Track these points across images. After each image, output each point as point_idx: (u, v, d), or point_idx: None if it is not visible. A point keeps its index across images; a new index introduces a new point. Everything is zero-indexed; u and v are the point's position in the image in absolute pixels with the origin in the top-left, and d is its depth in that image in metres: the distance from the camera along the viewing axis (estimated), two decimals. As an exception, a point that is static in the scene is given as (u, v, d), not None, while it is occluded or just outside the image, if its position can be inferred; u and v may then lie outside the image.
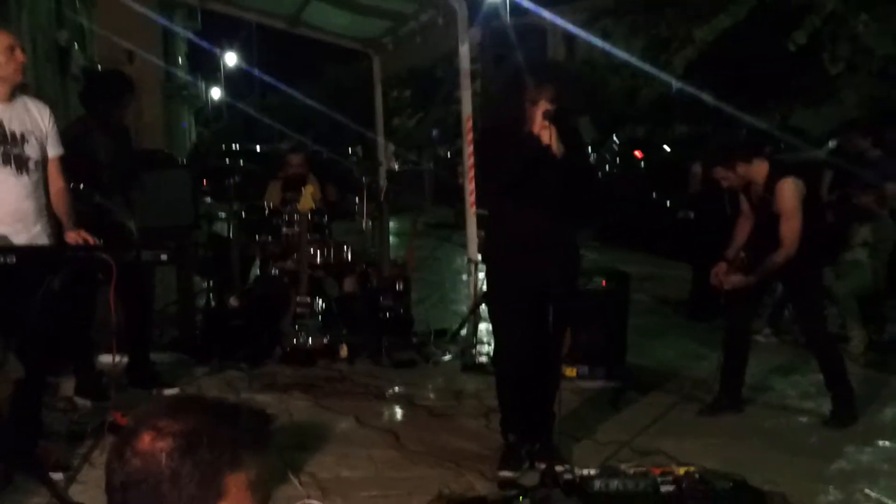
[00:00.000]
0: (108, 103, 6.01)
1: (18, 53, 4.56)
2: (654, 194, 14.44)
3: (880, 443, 5.33)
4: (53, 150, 4.79)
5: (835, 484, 4.68)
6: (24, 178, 4.59)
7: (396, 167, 26.27)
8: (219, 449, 1.53)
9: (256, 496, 1.56)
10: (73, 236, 4.63)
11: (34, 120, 4.69)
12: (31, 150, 4.62)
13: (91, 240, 4.59)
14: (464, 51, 7.54)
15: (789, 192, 5.52)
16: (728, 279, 5.68)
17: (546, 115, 4.48)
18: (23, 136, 4.60)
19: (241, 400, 5.51)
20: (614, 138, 22.45)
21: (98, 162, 5.81)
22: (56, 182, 4.80)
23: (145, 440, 1.52)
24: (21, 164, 4.58)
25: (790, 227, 5.48)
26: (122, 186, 6.07)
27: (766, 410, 5.98)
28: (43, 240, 4.65)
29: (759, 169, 5.64)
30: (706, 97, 15.35)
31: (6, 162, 4.54)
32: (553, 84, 4.65)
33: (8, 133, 4.56)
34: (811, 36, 11.54)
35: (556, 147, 4.49)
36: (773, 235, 5.52)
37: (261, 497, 1.58)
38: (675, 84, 15.25)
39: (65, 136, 4.99)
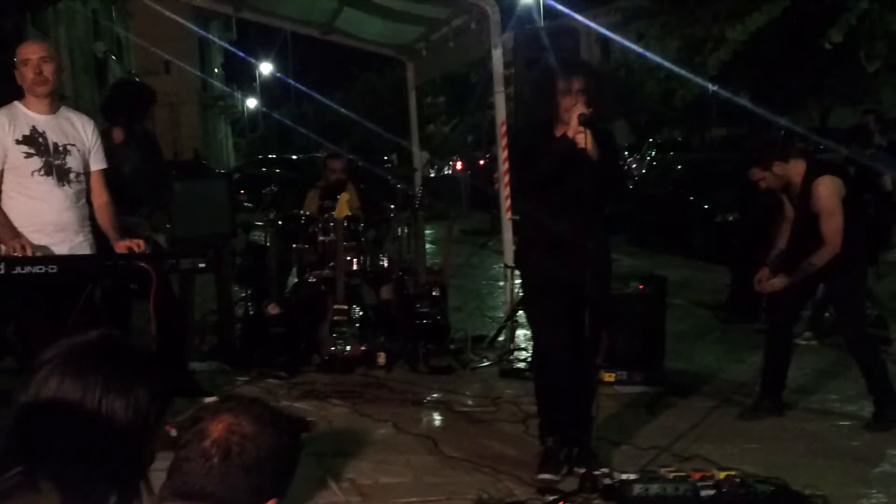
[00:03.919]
0: (130, 114, 6.07)
1: (36, 65, 4.59)
2: (691, 197, 14.35)
3: (924, 446, 5.26)
4: (97, 164, 4.86)
5: (878, 487, 4.62)
6: (66, 189, 4.66)
7: (432, 173, 26.35)
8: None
9: None
10: (123, 245, 4.68)
11: (77, 132, 4.76)
12: (72, 162, 4.69)
13: (141, 245, 4.64)
14: (497, 55, 7.54)
15: (827, 190, 5.46)
16: (771, 283, 5.63)
17: (581, 119, 4.47)
18: (65, 148, 4.67)
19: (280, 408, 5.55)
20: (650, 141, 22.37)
21: (121, 175, 5.85)
22: (100, 195, 4.86)
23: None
24: (62, 175, 4.65)
25: (831, 226, 5.41)
26: (151, 197, 6.12)
27: (807, 414, 5.92)
28: (85, 250, 4.71)
29: (796, 168, 5.59)
30: (742, 98, 15.25)
31: (48, 172, 4.61)
32: (584, 76, 4.65)
33: (50, 144, 4.63)
34: (847, 34, 11.42)
35: (591, 150, 4.49)
36: (815, 236, 5.45)
37: None
38: (711, 86, 15.17)
39: None
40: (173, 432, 4.92)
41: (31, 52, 4.64)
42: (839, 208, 5.43)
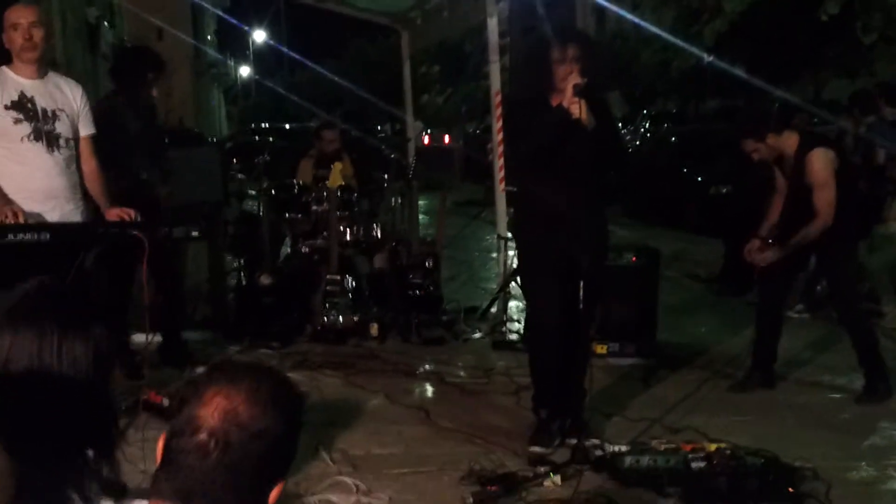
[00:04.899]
0: (138, 80, 6.02)
1: (25, 30, 4.53)
2: (685, 169, 14.32)
3: (914, 419, 5.28)
4: (85, 129, 4.81)
5: (867, 460, 4.64)
6: (56, 155, 4.63)
7: (426, 139, 26.24)
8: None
9: None
10: (114, 213, 4.65)
11: (65, 97, 4.71)
12: (61, 127, 4.65)
13: (131, 214, 4.61)
14: (492, 24, 7.49)
15: (820, 162, 5.45)
16: (763, 255, 5.63)
17: (575, 90, 4.44)
18: (53, 113, 4.63)
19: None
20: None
21: (130, 137, 5.84)
22: (88, 162, 4.83)
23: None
24: (52, 141, 4.61)
25: (824, 197, 5.41)
26: (154, 161, 6.10)
27: (798, 387, 5.94)
28: (76, 218, 4.69)
29: (789, 140, 5.57)
30: (738, 70, 15.20)
31: (37, 138, 4.58)
32: (578, 44, 4.62)
33: (39, 109, 4.59)
34: (843, 6, 11.38)
35: (586, 121, 4.46)
36: (807, 208, 5.45)
37: None
38: (707, 57, 15.11)
39: (95, 112, 5.01)
40: (165, 402, 4.94)
41: (21, 17, 4.58)
42: (832, 180, 5.42)
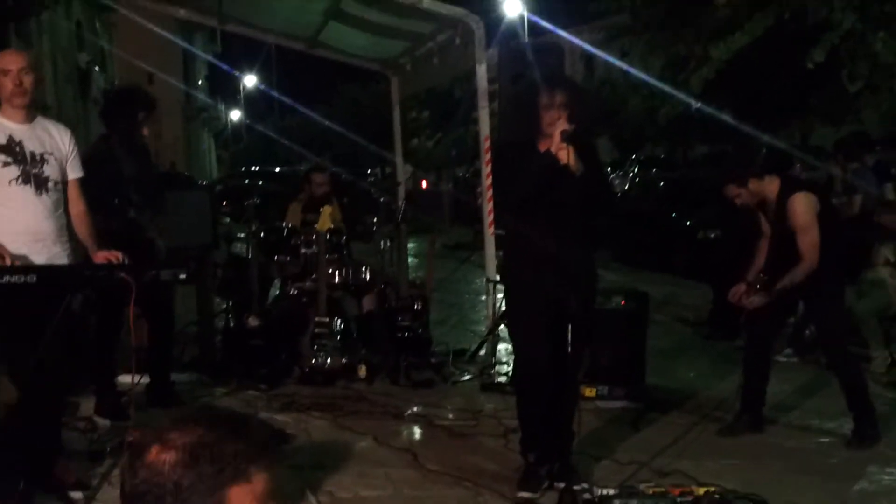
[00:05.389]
0: (128, 120, 6.04)
1: (16, 75, 4.55)
2: (673, 214, 14.39)
3: (903, 463, 5.27)
4: (73, 173, 4.82)
5: (857, 505, 4.63)
6: (44, 198, 4.63)
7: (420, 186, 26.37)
8: (222, 462, 1.54)
9: None
10: (101, 256, 4.65)
11: (54, 141, 4.73)
12: (50, 171, 4.65)
13: (119, 257, 4.61)
14: (481, 71, 7.55)
15: (801, 206, 5.50)
16: (749, 299, 5.64)
17: (563, 136, 4.48)
18: (42, 157, 4.64)
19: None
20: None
21: (124, 179, 5.85)
22: (77, 205, 4.83)
23: (152, 452, 1.55)
24: (40, 184, 4.61)
25: (807, 241, 5.45)
26: (148, 202, 6.10)
27: (788, 431, 5.93)
28: (62, 260, 4.67)
29: (771, 185, 5.62)
30: (726, 116, 15.31)
31: (25, 181, 4.58)
32: (566, 91, 4.66)
33: (27, 153, 4.60)
34: (829, 54, 11.49)
35: (574, 166, 4.49)
36: (792, 252, 5.48)
37: None
38: (694, 103, 15.23)
39: (89, 154, 5.03)
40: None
41: (11, 63, 4.60)
42: (814, 223, 5.47)
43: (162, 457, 1.54)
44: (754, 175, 5.63)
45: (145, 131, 6.14)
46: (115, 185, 5.65)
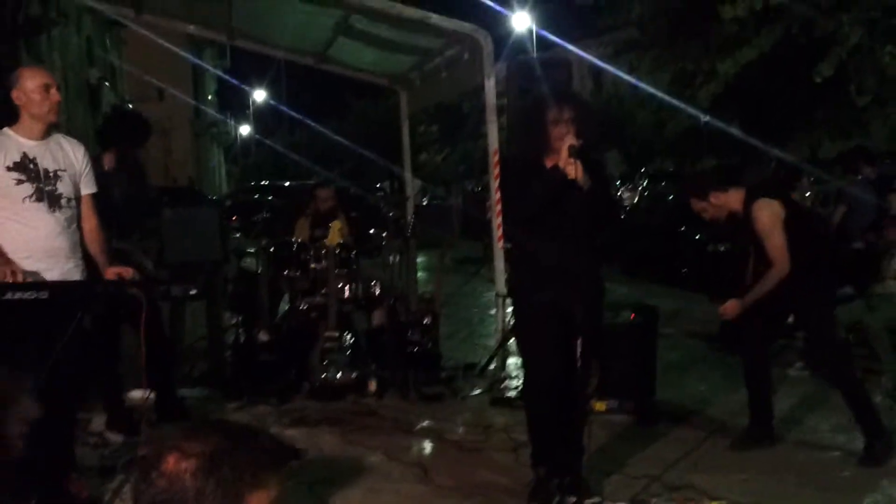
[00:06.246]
0: (125, 143, 6.08)
1: (54, 93, 4.63)
2: (682, 228, 14.37)
3: (915, 477, 5.25)
4: (87, 188, 4.85)
5: (869, 519, 4.62)
6: (57, 215, 4.66)
7: (425, 201, 26.40)
8: (240, 468, 1.56)
9: None
10: (112, 272, 4.67)
11: (67, 157, 4.76)
12: (63, 187, 4.69)
13: (130, 273, 4.63)
14: (490, 85, 7.58)
15: (762, 212, 5.51)
16: (723, 308, 5.66)
17: (571, 151, 4.49)
18: (55, 174, 4.67)
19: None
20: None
21: (114, 201, 5.86)
22: (89, 220, 4.86)
23: (170, 461, 1.56)
24: (54, 201, 4.65)
25: (772, 246, 5.45)
26: (138, 226, 6.13)
27: (798, 445, 5.91)
28: (75, 276, 4.70)
29: (735, 196, 5.63)
30: (734, 130, 15.32)
31: (39, 198, 4.61)
32: (574, 105, 4.68)
33: (41, 170, 4.63)
34: (837, 68, 11.52)
35: (581, 181, 4.51)
36: (767, 261, 5.50)
37: None
38: (703, 117, 15.26)
39: None
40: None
41: (48, 78, 4.67)
42: (777, 228, 5.46)
43: (182, 465, 1.55)
44: (715, 189, 5.64)
45: (140, 154, 6.19)
46: (104, 209, 5.67)
